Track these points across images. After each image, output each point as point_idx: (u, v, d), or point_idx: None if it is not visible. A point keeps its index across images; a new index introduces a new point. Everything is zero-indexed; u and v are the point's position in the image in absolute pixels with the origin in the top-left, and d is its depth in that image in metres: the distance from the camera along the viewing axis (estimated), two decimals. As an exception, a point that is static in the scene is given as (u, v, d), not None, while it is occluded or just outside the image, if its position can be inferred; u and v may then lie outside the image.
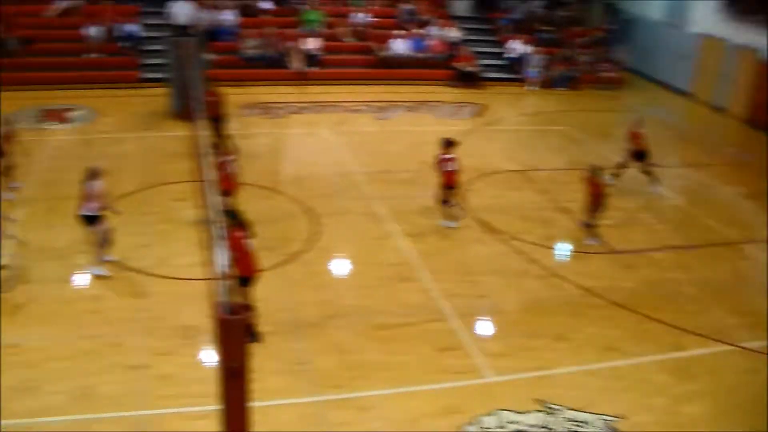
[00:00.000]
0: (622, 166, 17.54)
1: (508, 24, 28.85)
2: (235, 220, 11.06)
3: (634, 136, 17.45)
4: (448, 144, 15.39)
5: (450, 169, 15.18)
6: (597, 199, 14.61)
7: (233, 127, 18.64)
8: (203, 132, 15.38)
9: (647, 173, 17.61)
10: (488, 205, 16.51)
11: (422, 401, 10.33)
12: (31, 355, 10.81)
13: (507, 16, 28.95)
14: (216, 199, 12.53)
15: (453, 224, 15.46)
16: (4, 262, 12.79)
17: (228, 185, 14.02)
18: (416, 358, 11.20)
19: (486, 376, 10.92)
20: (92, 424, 9.61)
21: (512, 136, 21.90)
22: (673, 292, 13.51)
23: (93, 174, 12.83)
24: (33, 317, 11.75)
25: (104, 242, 13.02)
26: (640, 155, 17.38)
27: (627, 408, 10.29)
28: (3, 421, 9.52)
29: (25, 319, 11.69)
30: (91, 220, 12.82)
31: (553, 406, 10.21)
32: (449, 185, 15.25)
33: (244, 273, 10.92)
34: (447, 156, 15.25)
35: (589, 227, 14.91)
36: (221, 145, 14.86)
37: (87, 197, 12.72)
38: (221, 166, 14.08)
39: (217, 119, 17.75)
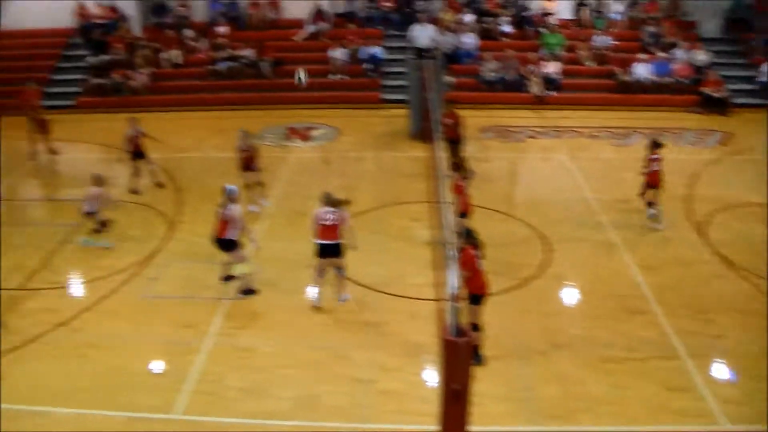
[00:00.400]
0: None
1: (761, 45, 27.21)
2: (470, 240, 11.21)
3: None
4: (656, 145, 15.82)
5: (655, 168, 15.63)
6: None
7: (470, 149, 18.86)
8: (441, 153, 15.78)
9: None
10: (730, 240, 15.64)
11: (647, 442, 10.04)
12: (263, 360, 11.63)
13: (761, 37, 27.30)
14: (451, 220, 12.79)
15: (659, 226, 15.83)
16: (246, 270, 13.71)
17: (465, 207, 14.26)
18: (642, 396, 10.86)
19: (718, 422, 10.37)
20: (313, 432, 10.13)
21: (761, 167, 20.61)
22: None
23: (331, 202, 12.87)
24: (267, 324, 12.65)
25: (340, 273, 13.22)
26: None
27: None
28: (229, 419, 10.34)
29: (259, 325, 12.65)
30: (326, 250, 12.87)
31: (791, 463, 9.56)
32: (652, 184, 15.77)
33: (475, 291, 11.07)
34: (653, 156, 15.68)
35: None
36: (459, 166, 15.16)
37: (323, 228, 12.77)
38: (458, 188, 14.33)
39: (455, 141, 18.08)
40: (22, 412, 10.48)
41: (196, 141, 21.72)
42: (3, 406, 10.40)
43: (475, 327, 11.10)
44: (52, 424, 10.31)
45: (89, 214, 15.69)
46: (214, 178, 17.59)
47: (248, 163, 16.87)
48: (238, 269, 13.60)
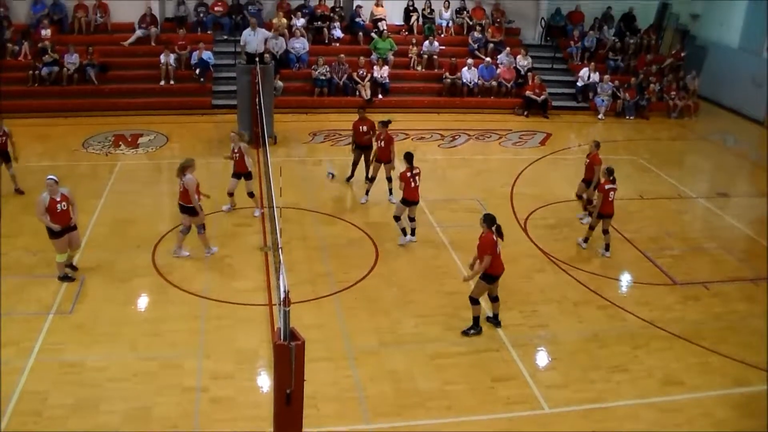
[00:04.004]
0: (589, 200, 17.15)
1: (578, 52, 28.72)
2: (492, 223, 12.13)
3: (595, 162, 16.66)
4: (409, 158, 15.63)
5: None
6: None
7: (301, 153, 18.79)
8: (270, 158, 15.73)
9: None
10: (551, 234, 16.45)
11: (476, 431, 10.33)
12: (91, 374, 11.11)
13: (577, 44, 28.79)
14: (279, 225, 12.78)
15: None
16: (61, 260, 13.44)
17: (411, 194, 15.37)
18: (472, 388, 11.22)
19: (542, 407, 10.86)
20: (146, 445, 9.84)
21: (579, 165, 21.57)
22: (738, 324, 13.29)
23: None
24: (93, 337, 12.05)
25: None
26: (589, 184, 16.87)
27: (686, 443, 10.16)
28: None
29: (85, 338, 12.00)
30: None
31: (607, 438, 10.11)
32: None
33: (492, 272, 12.23)
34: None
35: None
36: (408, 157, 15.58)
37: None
38: (404, 177, 15.24)
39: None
40: None
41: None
42: None
43: (476, 301, 12.43)
44: None
45: None
46: (34, 187, 16.87)
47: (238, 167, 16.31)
48: (57, 257, 13.43)
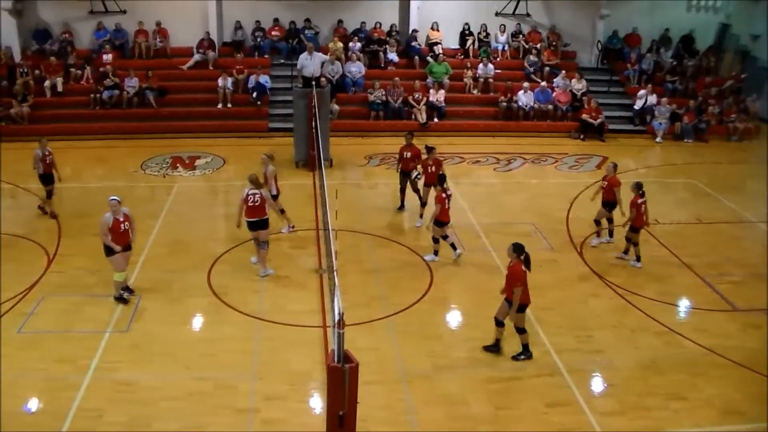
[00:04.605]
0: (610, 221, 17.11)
1: (635, 74, 28.48)
2: (522, 253, 12.00)
3: (614, 183, 16.61)
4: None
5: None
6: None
7: (354, 176, 18.87)
8: (325, 181, 15.86)
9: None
10: (607, 259, 16.25)
11: (529, 457, 10.23)
12: (145, 393, 11.24)
13: (634, 67, 28.55)
14: (334, 247, 12.84)
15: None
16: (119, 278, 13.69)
17: (444, 215, 15.45)
18: (525, 413, 11.08)
19: (598, 435, 10.70)
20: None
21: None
22: (802, 354, 12.90)
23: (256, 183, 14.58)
24: (148, 356, 12.21)
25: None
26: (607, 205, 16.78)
27: (745, 476, 9.91)
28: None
29: (140, 357, 12.18)
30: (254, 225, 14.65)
31: (664, 468, 9.91)
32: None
33: (524, 301, 12.14)
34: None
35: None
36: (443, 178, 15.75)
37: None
38: (440, 198, 15.27)
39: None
40: None
41: (75, 170, 21.05)
42: None
43: (522, 330, 12.27)
44: None
45: None
46: (94, 208, 17.21)
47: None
48: (114, 275, 13.66)
